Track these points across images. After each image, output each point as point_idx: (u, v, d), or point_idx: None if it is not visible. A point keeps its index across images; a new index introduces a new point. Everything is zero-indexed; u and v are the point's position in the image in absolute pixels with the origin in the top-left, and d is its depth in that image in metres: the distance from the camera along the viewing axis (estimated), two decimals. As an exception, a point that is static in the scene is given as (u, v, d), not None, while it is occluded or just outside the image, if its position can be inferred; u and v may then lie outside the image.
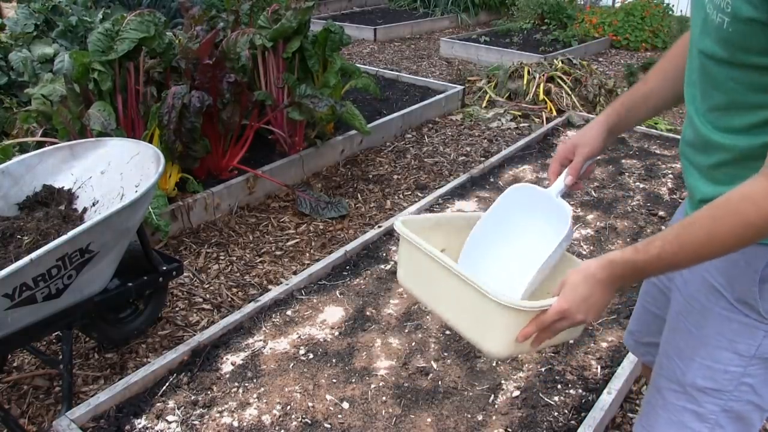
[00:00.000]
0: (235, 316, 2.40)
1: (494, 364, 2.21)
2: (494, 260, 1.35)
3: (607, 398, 2.00)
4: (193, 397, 2.06)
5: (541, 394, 2.09)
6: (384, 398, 2.06)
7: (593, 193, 3.55)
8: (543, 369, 2.20)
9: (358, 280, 2.71)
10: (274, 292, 2.56)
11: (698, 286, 1.15)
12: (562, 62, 5.40)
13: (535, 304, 1.08)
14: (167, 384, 2.11)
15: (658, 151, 4.16)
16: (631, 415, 2.12)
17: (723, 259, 1.08)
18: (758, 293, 1.06)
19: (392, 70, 6.03)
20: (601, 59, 6.93)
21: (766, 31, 0.90)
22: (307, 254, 3.06)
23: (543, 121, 4.81)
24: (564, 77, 5.19)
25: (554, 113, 4.93)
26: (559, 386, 2.13)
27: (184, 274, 2.78)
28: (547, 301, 1.07)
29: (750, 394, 1.13)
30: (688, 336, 1.17)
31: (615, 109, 1.34)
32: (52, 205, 2.17)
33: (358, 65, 4.72)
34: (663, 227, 3.18)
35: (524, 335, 1.10)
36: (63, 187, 2.23)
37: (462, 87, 5.23)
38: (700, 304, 1.15)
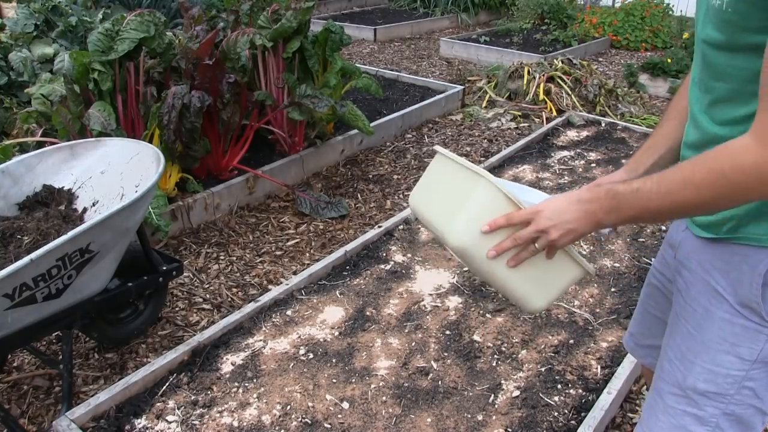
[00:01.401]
0: (235, 316, 2.40)
1: (494, 364, 2.21)
2: None
3: (607, 398, 2.00)
4: (193, 397, 2.06)
5: (541, 394, 2.08)
6: (384, 398, 2.06)
7: (593, 193, 3.54)
8: (543, 369, 2.20)
9: (358, 280, 2.71)
10: (274, 292, 2.56)
11: (700, 288, 1.14)
12: (562, 62, 5.40)
13: (514, 197, 1.08)
14: (167, 384, 2.11)
15: (658, 151, 4.16)
16: (631, 415, 2.12)
17: (726, 261, 1.09)
18: (761, 297, 1.06)
19: (392, 70, 6.03)
20: (601, 59, 6.93)
21: (763, 6, 0.90)
22: (307, 254, 3.06)
23: (543, 121, 4.81)
24: (564, 77, 5.19)
25: (554, 113, 4.93)
26: (559, 386, 2.13)
27: (184, 274, 2.78)
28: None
29: (752, 398, 1.13)
30: (690, 339, 1.17)
31: (635, 157, 1.35)
32: (52, 205, 2.17)
33: (358, 65, 4.72)
34: (663, 227, 3.18)
35: (492, 225, 1.09)
36: (63, 187, 2.23)
37: (462, 87, 5.23)
38: (702, 307, 1.14)
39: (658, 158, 1.33)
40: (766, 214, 1.02)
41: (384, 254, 2.91)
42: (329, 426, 1.95)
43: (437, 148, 1.32)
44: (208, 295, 2.73)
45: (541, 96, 5.08)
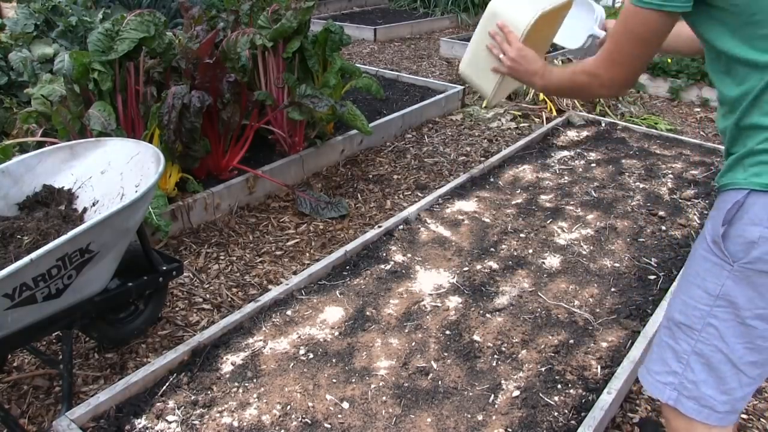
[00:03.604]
0: (235, 316, 2.40)
1: (494, 364, 2.21)
2: None
3: (607, 398, 2.00)
4: (193, 397, 2.06)
5: (541, 394, 2.09)
6: (384, 398, 2.06)
7: (593, 193, 3.54)
8: (543, 369, 2.20)
9: (358, 280, 2.71)
10: (274, 292, 2.56)
11: (698, 237, 1.31)
12: (562, 62, 5.39)
13: (529, 27, 1.77)
14: (167, 384, 2.11)
15: (658, 151, 4.16)
16: (631, 414, 2.12)
17: (715, 208, 1.26)
18: (721, 234, 1.18)
19: (392, 70, 6.03)
20: (601, 59, 6.92)
21: None
22: (307, 254, 3.06)
23: (543, 121, 4.81)
24: (564, 77, 5.19)
25: (554, 113, 4.93)
26: (559, 386, 2.13)
27: (184, 274, 2.78)
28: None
29: (716, 338, 1.23)
30: (681, 277, 1.35)
31: None
32: (52, 205, 2.17)
33: (358, 65, 4.71)
34: (663, 227, 3.18)
35: (501, 27, 1.78)
36: (63, 187, 2.23)
37: (462, 87, 5.23)
38: (693, 249, 1.31)
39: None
40: (747, 160, 1.17)
41: (384, 254, 2.91)
42: (329, 426, 1.95)
43: None
44: (208, 295, 2.73)
45: (541, 96, 5.08)
